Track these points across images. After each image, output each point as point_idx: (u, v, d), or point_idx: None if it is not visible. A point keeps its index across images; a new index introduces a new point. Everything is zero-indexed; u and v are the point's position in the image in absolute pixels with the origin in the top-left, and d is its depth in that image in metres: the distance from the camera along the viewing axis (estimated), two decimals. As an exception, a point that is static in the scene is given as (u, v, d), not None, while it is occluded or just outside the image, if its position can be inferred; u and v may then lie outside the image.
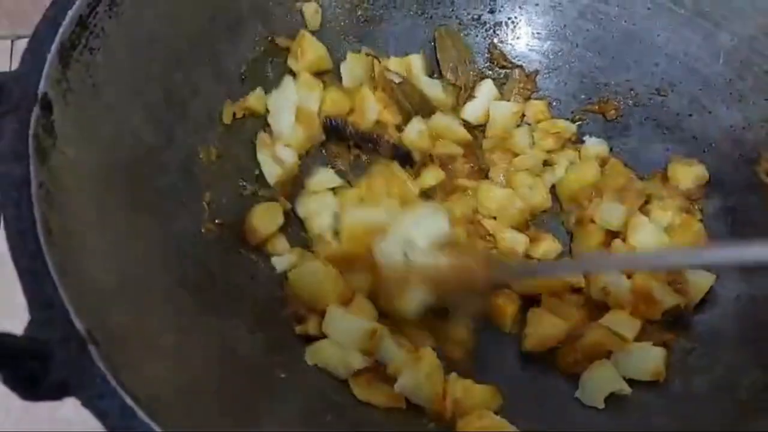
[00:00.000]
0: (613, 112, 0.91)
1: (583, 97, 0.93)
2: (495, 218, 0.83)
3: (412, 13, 0.93)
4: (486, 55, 0.95)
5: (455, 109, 0.91)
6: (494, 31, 0.95)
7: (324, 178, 0.83)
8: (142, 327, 0.53)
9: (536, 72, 0.94)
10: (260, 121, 0.83)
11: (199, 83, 0.75)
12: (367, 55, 0.88)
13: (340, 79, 0.88)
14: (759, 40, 0.79)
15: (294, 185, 0.82)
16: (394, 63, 0.89)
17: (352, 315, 0.70)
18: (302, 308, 0.73)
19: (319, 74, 0.86)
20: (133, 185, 0.62)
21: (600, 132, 0.91)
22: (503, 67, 0.95)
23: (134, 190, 0.62)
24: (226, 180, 0.77)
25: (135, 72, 0.65)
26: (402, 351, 0.69)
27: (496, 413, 0.67)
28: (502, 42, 0.95)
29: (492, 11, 0.94)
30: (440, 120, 0.88)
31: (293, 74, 0.85)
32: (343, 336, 0.69)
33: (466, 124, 0.90)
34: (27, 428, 0.79)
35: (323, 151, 0.87)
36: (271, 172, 0.80)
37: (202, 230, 0.72)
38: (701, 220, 0.82)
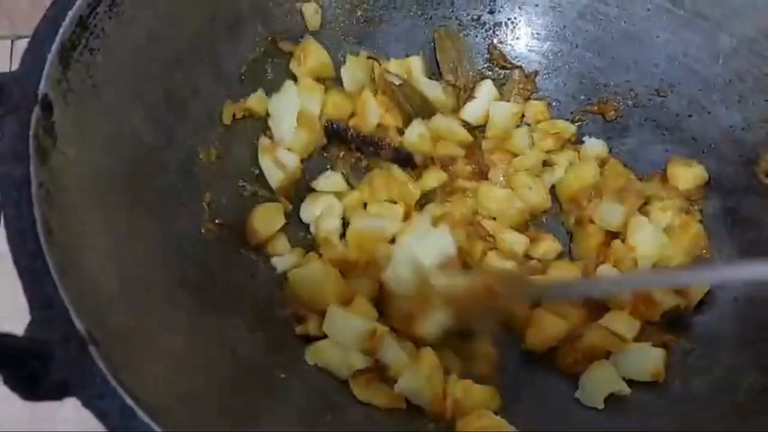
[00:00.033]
0: (612, 112, 0.91)
1: (582, 97, 0.93)
2: (495, 219, 0.83)
3: (411, 13, 0.93)
4: (486, 55, 0.95)
5: (455, 110, 0.92)
6: (494, 32, 0.95)
7: (331, 180, 0.84)
8: (142, 327, 0.53)
9: (536, 72, 0.94)
10: (260, 121, 0.83)
11: (199, 83, 0.75)
12: (368, 57, 0.88)
13: (340, 82, 0.88)
14: (759, 42, 0.79)
15: (296, 189, 0.83)
16: (394, 65, 0.89)
17: (352, 315, 0.70)
18: (302, 308, 0.73)
19: (320, 79, 0.86)
20: (133, 185, 0.62)
21: (599, 132, 0.91)
22: (503, 68, 0.95)
23: (134, 190, 0.63)
24: (226, 180, 0.78)
25: (135, 72, 0.65)
26: (403, 352, 0.69)
27: (495, 413, 0.67)
28: (501, 43, 0.95)
29: (492, 12, 0.94)
30: (441, 121, 0.88)
31: (294, 78, 0.85)
32: (344, 336, 0.69)
33: (466, 125, 0.90)
34: (27, 428, 0.79)
35: (325, 154, 0.87)
36: (274, 176, 0.81)
37: (202, 230, 0.72)
38: (701, 221, 0.82)
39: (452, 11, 0.94)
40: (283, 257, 0.78)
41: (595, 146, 0.89)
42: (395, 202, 0.82)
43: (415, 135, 0.86)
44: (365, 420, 0.68)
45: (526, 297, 0.73)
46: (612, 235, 0.81)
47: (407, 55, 0.91)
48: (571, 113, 0.93)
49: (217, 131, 0.78)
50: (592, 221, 0.82)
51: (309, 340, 0.72)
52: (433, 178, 0.85)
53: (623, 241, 0.79)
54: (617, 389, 0.70)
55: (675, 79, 0.87)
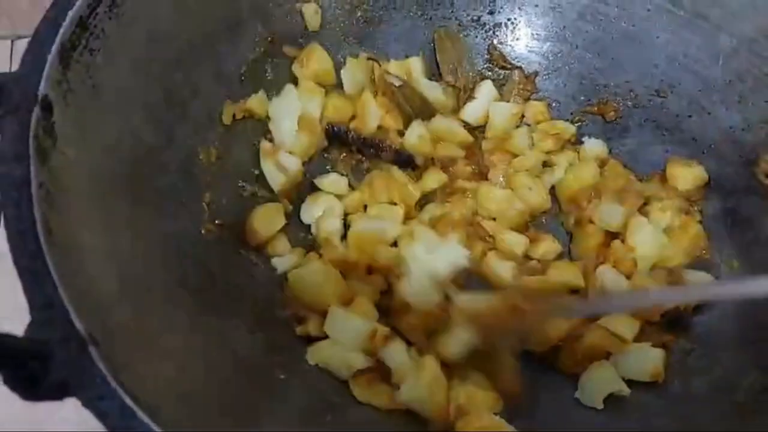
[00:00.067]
0: (612, 113, 0.91)
1: (582, 98, 0.93)
2: (494, 219, 0.83)
3: (411, 14, 0.93)
4: (485, 56, 0.95)
5: (455, 111, 0.92)
6: (494, 33, 0.95)
7: (332, 181, 0.84)
8: (142, 327, 0.53)
9: (536, 73, 0.94)
10: (261, 122, 0.83)
11: (199, 84, 0.75)
12: (368, 58, 0.88)
13: (340, 84, 0.88)
14: (758, 42, 0.79)
15: (298, 192, 0.83)
16: (394, 66, 0.89)
17: (353, 315, 0.70)
18: (302, 309, 0.73)
19: (320, 84, 0.86)
20: (133, 185, 0.62)
21: (599, 133, 0.91)
22: (503, 68, 0.95)
23: (134, 190, 0.63)
24: (226, 180, 0.78)
25: (135, 72, 0.65)
26: (407, 356, 0.69)
27: (495, 413, 0.67)
28: (501, 43, 0.95)
29: (491, 12, 0.94)
30: (441, 122, 0.88)
31: (294, 80, 0.85)
32: (345, 336, 0.69)
33: (466, 126, 0.90)
34: (27, 428, 0.79)
35: (326, 155, 0.87)
36: (276, 180, 0.81)
37: (202, 230, 0.72)
38: (700, 222, 0.82)
39: (452, 12, 0.94)
40: (284, 258, 0.78)
41: (594, 147, 0.89)
42: (395, 203, 0.82)
43: (416, 136, 0.86)
44: (365, 420, 0.68)
45: (553, 315, 0.71)
46: (612, 236, 0.81)
47: (407, 56, 0.92)
48: (571, 114, 0.93)
49: (217, 131, 0.78)
50: (591, 222, 0.82)
51: (309, 340, 0.72)
52: (434, 179, 0.85)
53: (623, 241, 0.80)
54: (617, 389, 0.70)
55: (675, 79, 0.87)
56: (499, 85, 0.94)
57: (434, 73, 0.93)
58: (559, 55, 0.93)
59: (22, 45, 0.94)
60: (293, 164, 0.82)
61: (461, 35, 0.95)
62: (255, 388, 0.63)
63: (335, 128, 0.86)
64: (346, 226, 0.81)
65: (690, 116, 0.86)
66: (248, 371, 0.64)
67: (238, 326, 0.68)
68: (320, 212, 0.81)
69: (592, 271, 0.78)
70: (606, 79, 0.91)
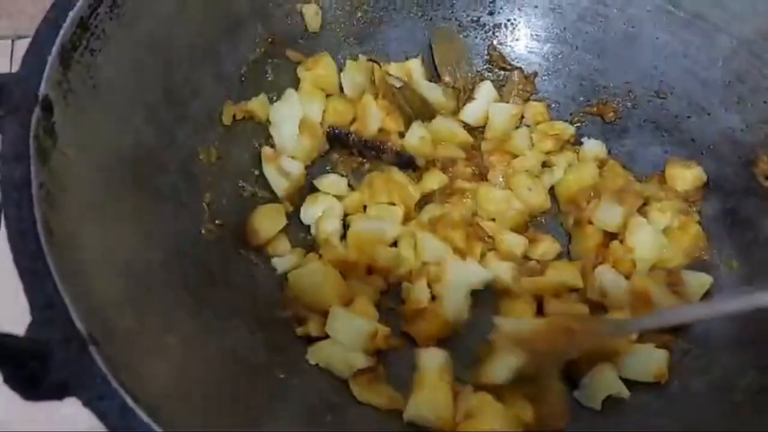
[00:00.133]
0: (611, 114, 0.91)
1: (582, 99, 0.93)
2: (494, 220, 0.83)
3: (412, 15, 0.93)
4: (485, 56, 0.96)
5: (455, 112, 0.92)
6: (493, 33, 0.95)
7: (333, 181, 0.84)
8: (142, 327, 0.53)
9: (535, 74, 0.94)
10: (261, 124, 0.83)
11: (199, 84, 0.75)
12: (368, 60, 0.89)
13: (341, 88, 0.88)
14: (758, 43, 0.79)
15: (301, 195, 0.83)
16: (394, 68, 0.89)
17: (354, 315, 0.71)
18: (303, 309, 0.73)
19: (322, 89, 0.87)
20: (133, 186, 0.63)
21: (599, 134, 0.91)
22: (502, 69, 0.95)
23: (134, 190, 0.63)
24: (226, 181, 0.78)
25: (135, 73, 0.65)
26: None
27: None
28: (501, 44, 0.95)
29: (491, 13, 0.94)
30: (441, 123, 0.88)
31: (294, 81, 0.86)
32: (346, 336, 0.70)
33: (466, 126, 0.90)
34: (27, 428, 0.79)
35: (328, 157, 0.87)
36: (279, 185, 0.81)
37: (202, 231, 0.72)
38: (699, 222, 0.82)
39: (452, 12, 0.94)
40: (284, 258, 0.78)
41: (594, 147, 0.89)
42: (394, 204, 0.82)
43: (416, 138, 0.86)
44: (365, 420, 0.68)
45: (603, 335, 0.70)
46: (610, 236, 0.81)
47: (407, 57, 0.92)
48: (571, 114, 0.93)
49: (218, 132, 0.78)
50: (590, 222, 0.82)
51: (310, 340, 0.72)
52: (434, 180, 0.85)
53: (622, 242, 0.80)
54: (616, 392, 0.70)
55: (674, 80, 0.87)
56: (499, 85, 0.94)
57: (434, 74, 0.93)
58: (559, 56, 0.93)
59: (22, 45, 0.94)
60: (296, 169, 0.82)
61: (461, 36, 0.95)
62: (255, 388, 0.63)
63: (336, 131, 0.86)
64: (346, 226, 0.81)
65: (689, 117, 0.86)
66: (248, 371, 0.64)
67: (238, 326, 0.68)
68: (320, 213, 0.81)
69: (591, 271, 0.78)
70: (605, 80, 0.91)
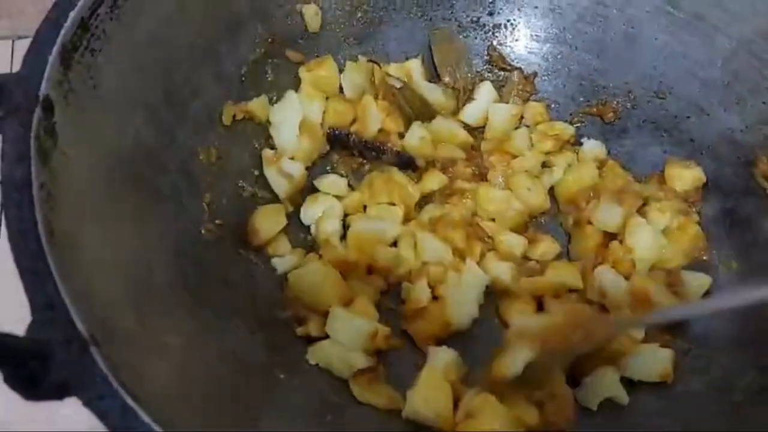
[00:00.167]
0: (611, 114, 0.91)
1: (581, 99, 0.93)
2: (494, 220, 0.83)
3: (411, 15, 0.93)
4: (485, 57, 0.96)
5: (455, 112, 0.92)
6: (493, 34, 0.95)
7: (333, 182, 0.85)
8: (142, 327, 0.53)
9: (535, 74, 0.94)
10: (261, 125, 0.83)
11: (199, 84, 0.75)
12: (368, 61, 0.89)
13: (341, 88, 0.88)
14: (757, 44, 0.79)
15: (303, 195, 0.83)
16: (393, 69, 0.89)
17: (355, 316, 0.71)
18: (303, 310, 0.73)
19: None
20: (133, 186, 0.63)
21: (598, 134, 0.91)
22: (502, 70, 0.95)
23: (135, 190, 0.63)
24: (226, 181, 0.78)
25: (136, 73, 0.65)
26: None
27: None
28: (501, 44, 0.95)
29: (491, 14, 0.95)
30: (441, 124, 0.88)
31: (294, 82, 0.86)
32: (346, 336, 0.70)
33: (466, 127, 0.90)
34: (27, 428, 0.79)
35: (327, 157, 0.87)
36: (281, 186, 0.81)
37: (202, 231, 0.72)
38: (699, 223, 0.82)
39: (452, 13, 0.94)
40: (284, 258, 0.78)
41: (593, 148, 0.89)
42: (395, 204, 0.82)
43: (416, 138, 0.86)
44: (365, 420, 0.68)
45: (619, 330, 0.71)
46: (610, 236, 0.81)
47: (407, 57, 0.92)
48: (570, 115, 0.93)
49: (218, 132, 0.78)
50: (590, 222, 0.82)
51: (310, 340, 0.72)
52: (434, 181, 0.85)
53: (621, 242, 0.80)
54: (615, 395, 0.70)
55: (673, 80, 0.87)
56: (499, 86, 0.94)
57: (434, 74, 0.93)
58: (559, 56, 0.93)
59: (23, 45, 0.94)
60: (296, 170, 0.82)
61: (461, 36, 0.95)
62: (255, 388, 0.63)
63: (336, 132, 0.86)
64: (346, 226, 0.81)
65: (688, 117, 0.86)
66: (248, 371, 0.65)
67: (238, 326, 0.68)
68: (320, 213, 0.81)
69: (590, 271, 0.78)
70: (605, 80, 0.91)
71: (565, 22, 0.92)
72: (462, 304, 0.74)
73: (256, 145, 0.83)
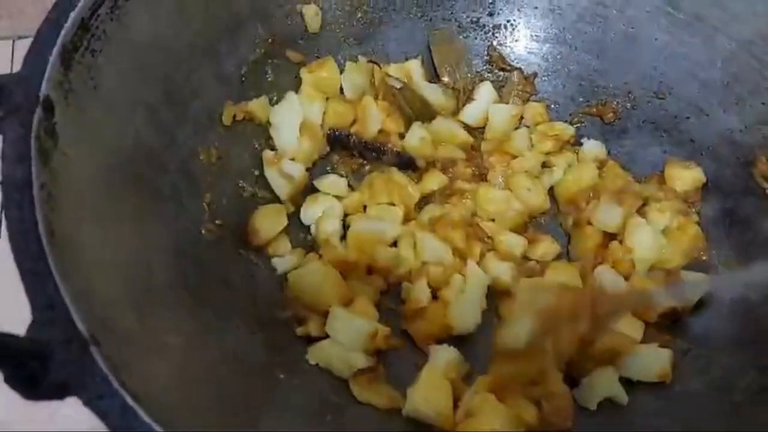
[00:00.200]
0: (611, 114, 0.91)
1: (581, 99, 0.93)
2: (493, 220, 0.83)
3: (411, 15, 0.93)
4: (485, 57, 0.96)
5: (455, 113, 0.92)
6: (493, 34, 0.95)
7: (333, 182, 0.85)
8: (142, 327, 0.53)
9: (535, 75, 0.94)
10: (261, 125, 0.83)
11: (199, 84, 0.75)
12: (368, 61, 0.89)
13: (341, 89, 0.88)
14: (757, 44, 0.79)
15: (304, 196, 0.83)
16: (393, 69, 0.89)
17: (355, 316, 0.71)
18: (303, 310, 0.73)
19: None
20: (134, 186, 0.63)
21: (598, 134, 0.91)
22: (502, 70, 0.95)
23: (135, 190, 0.63)
24: (227, 181, 0.78)
25: (136, 73, 0.65)
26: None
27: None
28: (500, 45, 0.95)
29: (491, 14, 0.95)
30: (441, 124, 0.88)
31: (294, 82, 0.86)
32: (346, 337, 0.70)
33: (465, 127, 0.90)
34: (28, 428, 0.80)
35: (327, 157, 0.88)
36: (281, 188, 0.81)
37: (202, 231, 0.72)
38: (698, 223, 0.82)
39: (452, 13, 0.94)
40: (284, 258, 0.78)
41: (593, 148, 0.89)
42: (395, 204, 0.82)
43: (416, 139, 0.86)
44: (365, 420, 0.68)
45: (625, 306, 0.71)
46: (610, 237, 0.81)
47: (407, 58, 0.92)
48: (570, 115, 0.93)
49: (218, 132, 0.78)
50: (590, 223, 0.82)
51: (310, 340, 0.72)
52: (434, 181, 0.85)
53: (621, 242, 0.80)
54: (614, 395, 0.70)
55: (673, 81, 0.87)
56: (499, 86, 0.94)
57: (434, 75, 0.93)
58: (558, 56, 0.93)
59: (23, 45, 0.94)
60: (297, 171, 0.82)
61: (461, 36, 0.95)
62: (255, 388, 0.63)
63: (337, 133, 0.86)
64: (346, 226, 0.81)
65: (688, 118, 0.86)
66: (248, 371, 0.65)
67: (238, 326, 0.68)
68: (320, 213, 0.82)
69: (590, 271, 0.79)
70: (605, 80, 0.91)
71: (565, 22, 0.92)
72: (466, 310, 0.74)
73: (257, 146, 0.83)
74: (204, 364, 0.60)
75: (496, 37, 0.95)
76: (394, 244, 0.80)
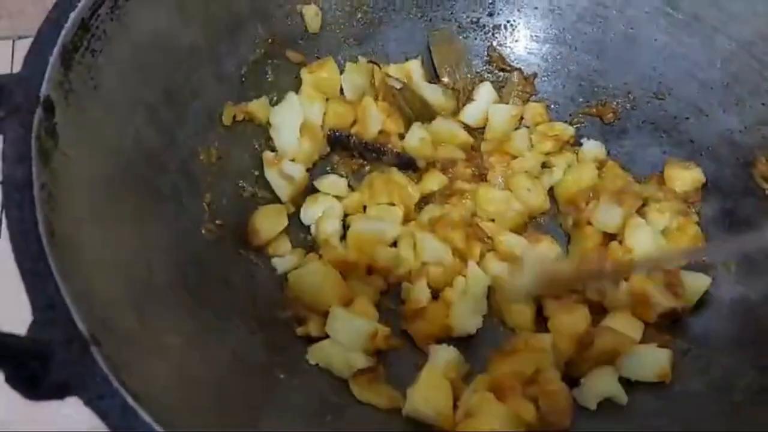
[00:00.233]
0: (611, 115, 0.91)
1: (581, 100, 0.93)
2: (493, 221, 0.83)
3: (411, 15, 0.93)
4: (485, 58, 0.96)
5: (455, 113, 0.92)
6: (493, 34, 0.95)
7: (333, 182, 0.85)
8: (142, 327, 0.53)
9: (535, 75, 0.94)
10: (261, 126, 0.83)
11: (199, 85, 0.75)
12: (368, 62, 0.89)
13: (341, 90, 0.88)
14: (756, 45, 0.79)
15: (304, 196, 0.83)
16: (393, 70, 0.89)
17: (355, 316, 0.71)
18: (303, 310, 0.73)
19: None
20: (134, 186, 0.63)
21: (598, 135, 0.91)
22: (502, 70, 0.95)
23: (135, 190, 0.63)
24: (227, 181, 0.78)
25: (136, 73, 0.65)
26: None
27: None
28: (500, 45, 0.95)
29: (491, 14, 0.95)
30: (441, 125, 0.88)
31: (294, 82, 0.86)
32: (346, 337, 0.70)
33: (466, 127, 0.90)
34: (28, 428, 0.80)
35: (327, 158, 0.88)
36: (282, 188, 0.81)
37: (203, 231, 0.72)
38: (698, 223, 0.82)
39: (451, 14, 0.94)
40: (284, 258, 0.78)
41: (593, 148, 0.89)
42: (395, 205, 0.82)
43: (416, 139, 0.86)
44: (365, 420, 0.68)
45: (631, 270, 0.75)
46: (609, 237, 0.81)
47: (407, 58, 0.92)
48: (570, 115, 0.93)
49: (218, 132, 0.78)
50: (589, 223, 0.82)
51: (310, 340, 0.72)
52: (434, 181, 0.85)
53: (621, 242, 0.80)
54: (613, 395, 0.70)
55: (673, 81, 0.87)
56: (498, 86, 0.94)
57: (434, 75, 0.94)
58: (558, 57, 0.94)
59: (23, 46, 0.94)
60: (297, 172, 0.82)
61: (461, 37, 0.95)
62: (255, 388, 0.64)
63: (337, 134, 0.86)
64: (346, 227, 0.81)
65: (688, 118, 0.87)
66: (248, 371, 0.65)
67: (238, 326, 0.68)
68: (320, 213, 0.82)
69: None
70: (604, 81, 0.91)
71: (565, 22, 0.92)
72: (468, 312, 0.74)
73: (257, 146, 0.83)
74: (204, 364, 0.60)
75: (496, 38, 0.95)
76: (394, 244, 0.80)
